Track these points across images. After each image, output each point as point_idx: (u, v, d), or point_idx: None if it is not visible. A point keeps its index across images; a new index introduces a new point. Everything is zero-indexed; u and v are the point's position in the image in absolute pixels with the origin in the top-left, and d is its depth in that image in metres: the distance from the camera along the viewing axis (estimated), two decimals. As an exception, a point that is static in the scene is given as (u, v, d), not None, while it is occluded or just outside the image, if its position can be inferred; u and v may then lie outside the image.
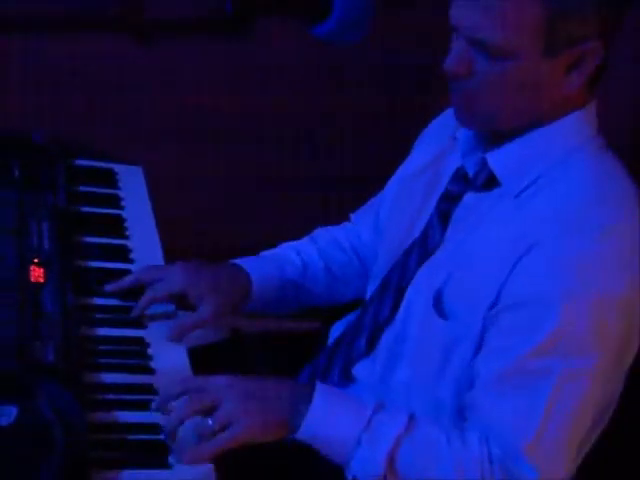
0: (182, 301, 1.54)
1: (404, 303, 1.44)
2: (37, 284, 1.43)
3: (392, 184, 1.60)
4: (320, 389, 1.30)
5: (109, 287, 1.52)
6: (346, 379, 1.50)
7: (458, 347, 1.35)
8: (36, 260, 1.47)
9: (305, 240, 1.70)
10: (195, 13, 1.10)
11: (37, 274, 1.45)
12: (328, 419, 1.28)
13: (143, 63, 2.18)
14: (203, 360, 1.48)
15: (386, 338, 1.46)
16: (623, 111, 1.84)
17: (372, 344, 1.48)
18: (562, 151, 1.33)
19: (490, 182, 1.37)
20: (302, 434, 1.28)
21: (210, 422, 1.26)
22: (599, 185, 1.32)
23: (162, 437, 1.26)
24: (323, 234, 1.71)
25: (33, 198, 1.62)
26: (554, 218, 1.28)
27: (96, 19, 1.06)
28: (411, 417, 1.30)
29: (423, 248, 1.44)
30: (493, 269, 1.30)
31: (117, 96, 2.27)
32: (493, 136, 1.38)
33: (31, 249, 1.50)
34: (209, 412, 1.27)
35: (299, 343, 1.71)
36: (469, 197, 1.40)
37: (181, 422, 1.26)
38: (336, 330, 1.62)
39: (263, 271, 1.59)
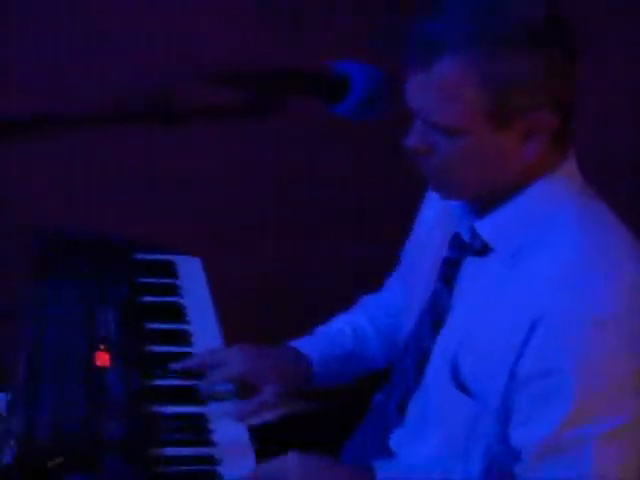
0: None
1: (427, 372, 1.48)
2: (103, 368, 1.52)
3: (409, 244, 1.66)
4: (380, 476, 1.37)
5: (175, 366, 1.60)
6: (384, 451, 1.53)
7: (481, 423, 1.38)
8: (102, 347, 1.57)
9: (355, 309, 1.76)
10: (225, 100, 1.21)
11: (103, 359, 1.55)
12: None
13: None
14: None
15: (413, 406, 1.51)
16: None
17: (402, 410, 1.52)
18: (544, 213, 1.36)
19: (484, 248, 1.41)
20: None
21: None
22: (586, 245, 1.33)
23: None
24: (370, 302, 1.77)
25: (99, 290, 1.73)
26: (549, 287, 1.30)
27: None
28: None
29: (434, 314, 1.49)
30: (501, 346, 1.34)
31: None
32: (477, 204, 1.42)
33: (97, 337, 1.60)
34: None
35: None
36: (469, 262, 1.44)
37: None
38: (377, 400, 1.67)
39: (321, 350, 1.66)
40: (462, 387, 1.40)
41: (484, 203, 1.40)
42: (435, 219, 1.57)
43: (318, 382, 1.65)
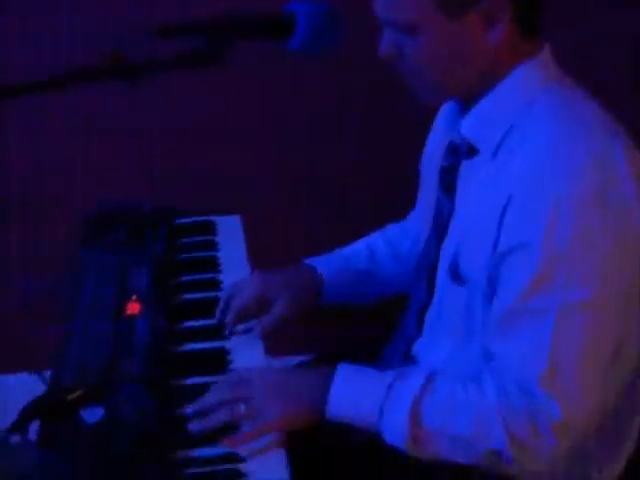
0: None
1: (437, 283, 1.55)
2: (132, 316, 1.66)
3: (421, 166, 1.72)
4: (340, 371, 1.43)
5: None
6: (407, 360, 1.61)
7: (475, 307, 1.45)
8: (134, 297, 1.71)
9: (376, 233, 1.85)
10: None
11: (133, 308, 1.69)
12: (350, 398, 1.41)
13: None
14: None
15: (428, 315, 1.58)
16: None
17: (420, 324, 1.60)
18: (522, 102, 1.41)
19: (472, 149, 1.47)
20: (329, 417, 1.41)
21: (242, 407, 1.42)
22: (564, 124, 1.39)
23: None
24: (392, 226, 1.86)
25: (136, 254, 1.86)
26: (527, 166, 1.37)
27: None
28: (429, 376, 1.41)
29: (439, 224, 1.56)
30: (486, 228, 1.40)
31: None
32: (461, 104, 1.49)
33: (130, 290, 1.73)
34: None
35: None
36: (464, 166, 1.51)
37: (214, 407, 1.43)
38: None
39: (332, 266, 1.75)
40: (459, 279, 1.47)
41: (466, 101, 1.46)
42: (434, 142, 1.65)
43: (329, 299, 1.74)
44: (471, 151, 1.48)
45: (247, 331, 1.68)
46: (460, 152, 1.51)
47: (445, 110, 1.63)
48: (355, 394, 1.42)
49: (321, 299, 1.74)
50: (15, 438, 1.34)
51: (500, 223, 1.38)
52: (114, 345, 1.57)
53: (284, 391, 1.44)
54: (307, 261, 1.78)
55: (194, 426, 1.41)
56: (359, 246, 1.83)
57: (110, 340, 1.59)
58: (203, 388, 1.51)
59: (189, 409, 1.44)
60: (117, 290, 1.74)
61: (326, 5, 1.41)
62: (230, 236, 2.01)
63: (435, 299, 1.57)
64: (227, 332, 1.67)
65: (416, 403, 1.39)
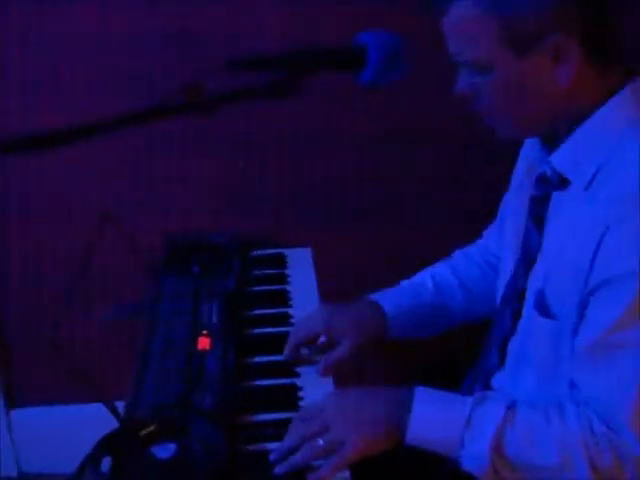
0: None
1: (524, 311, 1.54)
2: (203, 351, 1.66)
3: (507, 193, 1.72)
4: (418, 395, 1.42)
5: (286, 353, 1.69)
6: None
7: (564, 343, 1.43)
8: (204, 332, 1.71)
9: (441, 262, 1.84)
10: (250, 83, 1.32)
11: (204, 343, 1.68)
12: (430, 424, 1.39)
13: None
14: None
15: (511, 347, 1.57)
16: None
17: (503, 355, 1.58)
18: (614, 135, 1.40)
19: (564, 181, 1.46)
20: (409, 441, 1.40)
21: (321, 442, 1.40)
22: None
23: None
24: (458, 253, 1.85)
25: (209, 285, 1.87)
26: (622, 199, 1.35)
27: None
28: (510, 405, 1.39)
29: (527, 255, 1.55)
30: (577, 260, 1.39)
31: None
32: (547, 140, 1.49)
33: (201, 325, 1.74)
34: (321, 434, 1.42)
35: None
36: (555, 197, 1.50)
37: (295, 448, 1.42)
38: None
39: (396, 301, 1.74)
40: (547, 312, 1.46)
41: (553, 137, 1.46)
42: (522, 171, 1.64)
43: (396, 334, 1.73)
44: (563, 182, 1.47)
45: (310, 357, 1.67)
46: (551, 183, 1.50)
47: (530, 141, 1.62)
48: (435, 420, 1.40)
49: (387, 335, 1.73)
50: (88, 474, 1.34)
51: (594, 256, 1.36)
52: (186, 380, 1.58)
53: (360, 416, 1.43)
54: (372, 296, 1.77)
55: (279, 469, 1.41)
56: (424, 278, 1.82)
57: (182, 375, 1.59)
58: (275, 425, 1.51)
59: (272, 456, 1.43)
60: (190, 323, 1.74)
61: (396, 36, 1.40)
62: (301, 269, 2.02)
63: (519, 330, 1.56)
64: (284, 358, 1.67)
65: (498, 433, 1.37)
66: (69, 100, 2.32)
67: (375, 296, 1.77)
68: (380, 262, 2.47)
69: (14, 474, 2.78)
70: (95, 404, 1.55)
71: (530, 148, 1.62)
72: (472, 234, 1.90)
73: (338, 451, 1.40)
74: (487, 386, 1.61)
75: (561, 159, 1.46)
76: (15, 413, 2.74)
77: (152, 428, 1.43)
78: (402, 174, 2.49)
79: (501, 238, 1.73)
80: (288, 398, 1.58)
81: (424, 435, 1.40)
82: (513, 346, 1.57)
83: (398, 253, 2.48)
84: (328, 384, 1.62)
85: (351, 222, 2.51)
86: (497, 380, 1.60)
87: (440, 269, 1.83)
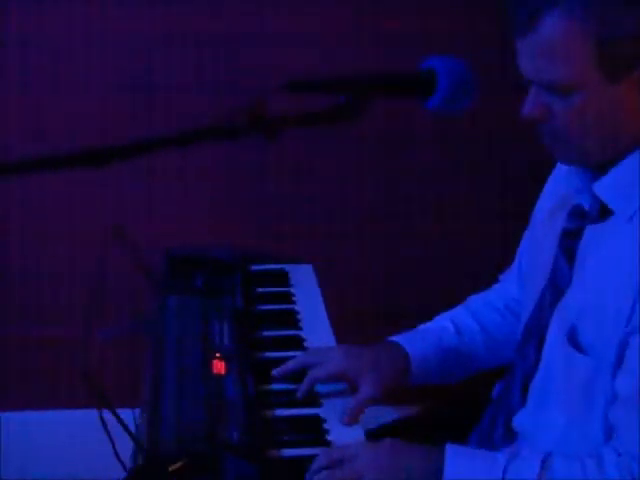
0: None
1: (545, 347, 1.48)
2: (219, 376, 1.58)
3: (528, 231, 1.66)
4: (450, 454, 1.36)
5: (276, 371, 1.63)
6: (509, 434, 1.54)
7: (599, 381, 1.38)
8: (218, 355, 1.63)
9: (459, 307, 1.78)
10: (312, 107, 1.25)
11: (219, 367, 1.60)
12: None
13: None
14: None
15: (534, 385, 1.51)
16: None
17: (524, 394, 1.52)
18: None
19: (604, 212, 1.41)
20: None
21: None
22: None
23: None
24: (475, 299, 1.79)
25: (215, 303, 1.80)
26: None
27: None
28: (545, 458, 1.34)
29: (554, 289, 1.49)
30: (620, 297, 1.34)
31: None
32: (597, 167, 1.42)
33: (213, 346, 1.66)
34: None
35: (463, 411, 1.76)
36: (589, 231, 1.45)
37: None
38: (497, 389, 1.67)
39: (420, 345, 1.67)
40: (579, 348, 1.41)
41: (604, 164, 1.41)
42: (551, 207, 1.58)
43: (418, 379, 1.67)
44: (603, 214, 1.42)
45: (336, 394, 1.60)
46: (587, 216, 1.45)
47: (562, 172, 1.57)
48: (469, 477, 1.35)
49: (408, 381, 1.67)
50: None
51: (639, 293, 1.32)
52: (207, 408, 1.49)
53: (395, 475, 1.37)
54: (393, 339, 1.70)
55: None
56: (444, 322, 1.75)
57: (202, 402, 1.51)
58: (303, 461, 1.44)
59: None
60: (201, 344, 1.67)
61: (463, 63, 1.34)
62: (304, 287, 1.96)
63: (542, 367, 1.50)
64: (299, 395, 1.59)
65: None
66: (70, 100, 2.21)
67: (396, 339, 1.70)
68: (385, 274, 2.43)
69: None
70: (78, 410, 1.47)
71: (564, 180, 1.56)
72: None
73: None
74: (508, 426, 1.55)
75: (606, 187, 1.40)
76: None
77: (181, 463, 1.35)
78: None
79: (521, 277, 1.68)
80: (314, 431, 1.52)
81: None
82: (535, 384, 1.51)
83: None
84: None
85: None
86: (519, 419, 1.54)
87: (459, 314, 1.76)
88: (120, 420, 1.37)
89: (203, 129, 1.22)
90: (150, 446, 1.40)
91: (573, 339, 1.42)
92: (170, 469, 1.34)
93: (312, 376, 1.60)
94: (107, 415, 1.38)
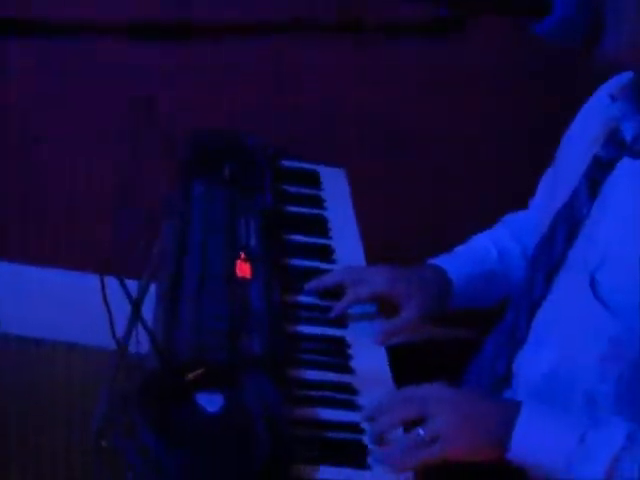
0: (382, 303, 1.55)
1: (557, 283, 1.38)
2: (244, 279, 1.47)
3: (551, 167, 1.55)
4: (526, 410, 1.26)
5: (310, 285, 1.54)
6: (506, 375, 1.44)
7: (624, 346, 1.27)
8: (242, 255, 1.52)
9: (498, 227, 1.68)
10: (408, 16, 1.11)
11: (244, 270, 1.50)
12: (537, 442, 1.24)
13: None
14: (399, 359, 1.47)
15: (537, 320, 1.40)
16: None
17: (529, 323, 1.41)
18: None
19: None
20: (511, 457, 1.24)
21: (421, 432, 1.24)
22: None
23: (363, 438, 1.27)
24: (515, 218, 1.68)
25: (242, 197, 1.67)
26: None
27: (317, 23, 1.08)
28: (630, 434, 1.23)
29: (569, 220, 1.37)
30: None
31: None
32: None
33: (239, 245, 1.54)
34: (418, 422, 1.25)
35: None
36: (624, 164, 1.31)
37: (389, 428, 1.27)
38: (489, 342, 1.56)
39: (463, 269, 1.58)
40: (602, 301, 1.29)
41: None
42: (589, 137, 1.42)
43: (460, 302, 1.58)
44: None
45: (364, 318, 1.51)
46: (628, 147, 1.30)
47: (601, 101, 1.42)
48: (542, 439, 1.24)
49: (450, 305, 1.57)
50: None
51: None
52: (229, 316, 1.39)
53: (474, 424, 1.25)
54: (434, 262, 1.60)
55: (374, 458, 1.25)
56: (486, 244, 1.64)
57: (225, 308, 1.40)
58: (325, 385, 1.35)
59: (366, 411, 1.28)
60: (226, 242, 1.55)
61: None
62: (336, 192, 1.84)
63: (554, 306, 1.38)
64: (334, 314, 1.50)
65: (613, 465, 1.21)
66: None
67: (438, 261, 1.60)
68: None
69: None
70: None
71: (605, 108, 1.38)
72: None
73: (437, 445, 1.23)
74: (509, 363, 1.43)
75: None
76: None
77: (200, 372, 1.25)
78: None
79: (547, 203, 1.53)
80: (338, 355, 1.42)
81: (528, 454, 1.23)
82: (540, 318, 1.39)
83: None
84: (379, 348, 1.46)
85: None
86: (520, 356, 1.42)
87: (501, 235, 1.65)
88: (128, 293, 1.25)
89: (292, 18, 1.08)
90: (167, 350, 1.30)
91: (594, 289, 1.30)
92: (187, 377, 1.24)
93: (353, 294, 1.50)
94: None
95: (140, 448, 1.16)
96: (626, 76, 1.36)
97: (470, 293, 1.58)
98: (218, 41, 1.08)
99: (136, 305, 1.20)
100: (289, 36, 1.04)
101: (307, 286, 1.53)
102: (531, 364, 1.41)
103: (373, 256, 1.67)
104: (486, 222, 1.72)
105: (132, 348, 1.28)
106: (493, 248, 1.63)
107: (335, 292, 1.53)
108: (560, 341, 1.36)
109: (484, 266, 1.61)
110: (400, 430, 1.27)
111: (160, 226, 1.58)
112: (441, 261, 1.60)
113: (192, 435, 1.18)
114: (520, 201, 1.68)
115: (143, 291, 1.29)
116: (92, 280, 1.30)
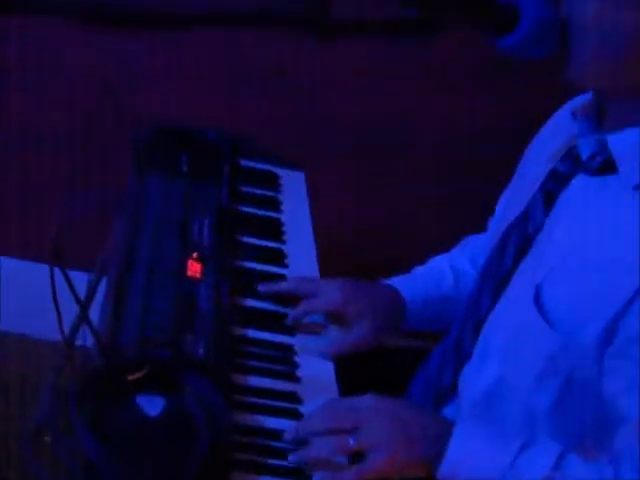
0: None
1: (504, 297, 1.37)
2: (194, 279, 1.45)
3: (511, 183, 1.55)
4: (459, 431, 1.25)
5: (263, 288, 1.52)
6: (453, 387, 1.44)
7: (566, 362, 1.26)
8: (195, 255, 1.49)
9: (456, 250, 1.67)
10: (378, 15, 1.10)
11: (195, 269, 1.47)
12: (467, 463, 1.23)
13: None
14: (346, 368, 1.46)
15: (483, 336, 1.39)
16: None
17: (476, 338, 1.40)
18: None
19: (606, 167, 1.27)
20: (442, 475, 1.23)
21: (352, 441, 1.22)
22: None
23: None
24: (472, 241, 1.67)
25: (198, 192, 1.65)
26: None
27: (283, 18, 1.06)
28: (561, 454, 1.23)
29: (522, 231, 1.37)
30: (615, 273, 1.21)
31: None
32: (616, 120, 1.28)
33: (192, 243, 1.52)
34: (350, 431, 1.23)
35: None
36: (579, 180, 1.31)
37: (318, 435, 1.24)
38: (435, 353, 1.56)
39: (417, 291, 1.57)
40: (544, 315, 1.28)
41: (617, 117, 1.26)
42: (542, 149, 1.44)
43: (412, 324, 1.56)
44: (605, 168, 1.27)
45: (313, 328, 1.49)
46: (584, 164, 1.30)
47: (562, 119, 1.43)
48: (474, 458, 1.23)
49: (402, 326, 1.56)
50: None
51: None
52: (175, 315, 1.36)
53: (409, 437, 1.24)
54: (389, 282, 1.59)
55: (292, 457, 1.23)
56: (443, 267, 1.63)
57: (172, 306, 1.37)
58: (269, 393, 1.33)
59: (288, 434, 1.25)
60: (179, 239, 1.52)
61: (552, 9, 1.19)
62: (293, 196, 1.80)
63: (498, 318, 1.37)
64: (288, 323, 1.48)
65: None
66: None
67: (392, 282, 1.58)
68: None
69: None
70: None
71: (567, 126, 1.38)
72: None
73: (369, 458, 1.22)
74: (455, 377, 1.43)
75: (621, 143, 1.24)
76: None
77: (143, 372, 1.22)
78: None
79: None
80: (284, 362, 1.40)
81: (459, 472, 1.23)
82: (486, 332, 1.38)
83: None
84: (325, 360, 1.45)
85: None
86: (466, 370, 1.41)
87: (457, 258, 1.64)
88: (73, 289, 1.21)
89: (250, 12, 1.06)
90: (111, 349, 1.26)
91: (538, 302, 1.29)
92: (129, 378, 1.21)
93: (309, 305, 1.48)
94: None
95: (75, 448, 1.13)
96: (589, 95, 1.36)
97: (423, 316, 1.57)
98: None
99: (83, 307, 1.16)
100: (255, 29, 1.02)
101: (260, 288, 1.51)
102: (474, 379, 1.40)
103: (326, 264, 1.66)
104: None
105: (80, 341, 1.24)
106: (450, 272, 1.62)
107: (286, 299, 1.52)
108: (501, 356, 1.35)
109: (439, 290, 1.60)
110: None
111: (113, 216, 1.55)
112: (397, 282, 1.58)
113: (129, 438, 1.15)
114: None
115: (92, 290, 1.25)
116: (43, 270, 1.27)
